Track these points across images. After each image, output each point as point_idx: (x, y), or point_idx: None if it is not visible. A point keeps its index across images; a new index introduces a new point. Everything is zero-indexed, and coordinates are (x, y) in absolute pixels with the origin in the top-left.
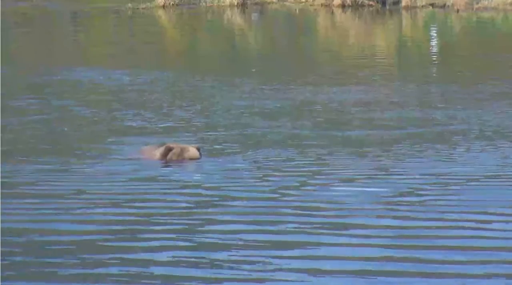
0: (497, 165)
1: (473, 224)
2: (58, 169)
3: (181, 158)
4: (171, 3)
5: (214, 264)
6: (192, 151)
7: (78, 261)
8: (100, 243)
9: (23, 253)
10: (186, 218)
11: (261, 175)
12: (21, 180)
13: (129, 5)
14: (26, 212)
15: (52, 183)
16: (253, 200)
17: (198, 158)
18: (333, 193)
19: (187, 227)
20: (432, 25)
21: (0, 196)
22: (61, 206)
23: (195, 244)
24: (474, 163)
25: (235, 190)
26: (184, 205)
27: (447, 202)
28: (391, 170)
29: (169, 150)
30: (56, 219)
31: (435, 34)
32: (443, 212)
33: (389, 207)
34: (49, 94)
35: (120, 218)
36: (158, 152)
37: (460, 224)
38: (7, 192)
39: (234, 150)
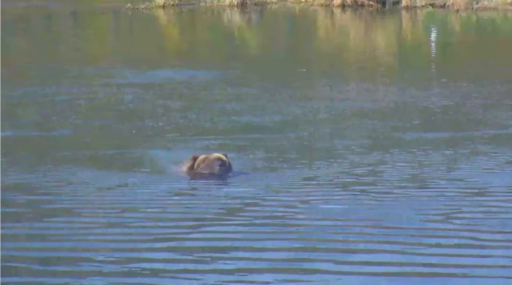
0: None
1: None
2: (59, 179)
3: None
4: (171, 3)
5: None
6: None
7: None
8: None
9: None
10: (200, 230)
11: (292, 187)
12: (24, 194)
13: (129, 5)
14: (31, 227)
15: (54, 195)
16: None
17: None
18: (365, 209)
19: (200, 237)
20: (432, 25)
21: (1, 208)
22: (65, 220)
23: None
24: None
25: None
26: (201, 216)
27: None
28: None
29: (194, 160)
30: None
31: (435, 34)
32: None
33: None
34: (50, 94)
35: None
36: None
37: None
38: (13, 203)
39: (255, 158)
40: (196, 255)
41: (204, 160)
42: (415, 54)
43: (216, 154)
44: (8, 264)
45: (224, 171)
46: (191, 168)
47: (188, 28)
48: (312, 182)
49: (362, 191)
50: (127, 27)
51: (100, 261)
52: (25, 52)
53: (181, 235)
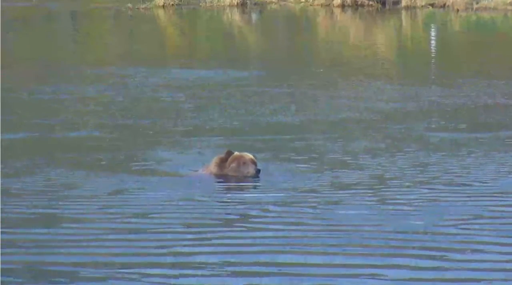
0: None
1: None
2: (65, 183)
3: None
4: (170, 3)
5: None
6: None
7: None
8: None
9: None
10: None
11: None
12: (27, 198)
13: (129, 5)
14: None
15: (60, 200)
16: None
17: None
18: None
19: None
20: (432, 25)
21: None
22: (62, 232)
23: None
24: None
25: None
26: (217, 216)
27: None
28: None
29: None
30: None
31: (435, 34)
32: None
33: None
34: (51, 94)
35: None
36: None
37: None
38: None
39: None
40: (206, 262)
41: (237, 159)
42: (415, 54)
43: (250, 156)
44: (8, 270)
45: (257, 176)
46: (223, 161)
47: (188, 28)
48: (326, 186)
49: (377, 195)
50: (128, 27)
51: (108, 267)
52: (25, 52)
53: (193, 242)
